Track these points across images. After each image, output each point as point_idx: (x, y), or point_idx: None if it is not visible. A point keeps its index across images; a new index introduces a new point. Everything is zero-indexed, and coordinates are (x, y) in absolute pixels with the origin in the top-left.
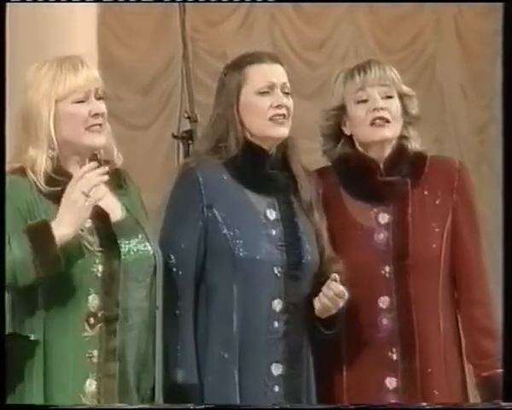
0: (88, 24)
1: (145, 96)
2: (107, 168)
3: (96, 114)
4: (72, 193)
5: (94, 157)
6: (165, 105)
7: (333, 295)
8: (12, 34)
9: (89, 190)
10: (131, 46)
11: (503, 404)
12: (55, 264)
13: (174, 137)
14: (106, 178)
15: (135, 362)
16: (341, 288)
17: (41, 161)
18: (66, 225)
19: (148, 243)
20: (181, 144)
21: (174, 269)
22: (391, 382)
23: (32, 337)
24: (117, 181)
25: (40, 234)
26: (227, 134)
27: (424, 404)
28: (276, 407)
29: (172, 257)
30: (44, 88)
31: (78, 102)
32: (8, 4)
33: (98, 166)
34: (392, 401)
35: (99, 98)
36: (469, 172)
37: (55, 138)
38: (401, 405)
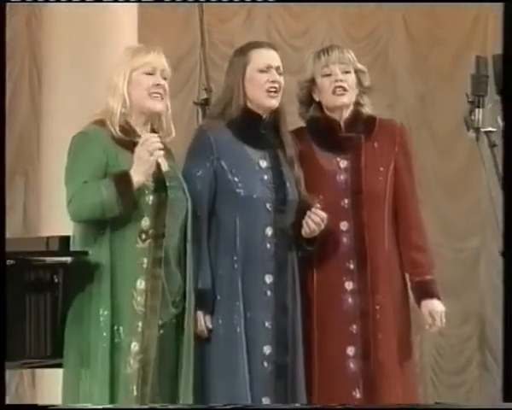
0: (131, 20)
1: (173, 73)
2: (161, 139)
3: (158, 85)
4: (142, 152)
5: (153, 131)
6: (187, 80)
7: (319, 220)
8: (59, 30)
9: (153, 150)
10: (163, 36)
11: (504, 404)
12: (132, 203)
13: (195, 103)
14: (161, 145)
15: (171, 271)
16: (324, 214)
17: (116, 113)
18: (139, 174)
19: (182, 190)
20: (199, 109)
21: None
22: (349, 285)
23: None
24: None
25: (123, 181)
26: (231, 101)
27: (421, 404)
28: (277, 406)
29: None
30: (125, 61)
31: (147, 73)
32: (8, 4)
33: (157, 136)
34: (350, 299)
35: (164, 78)
36: (408, 131)
37: (127, 99)
38: (400, 405)
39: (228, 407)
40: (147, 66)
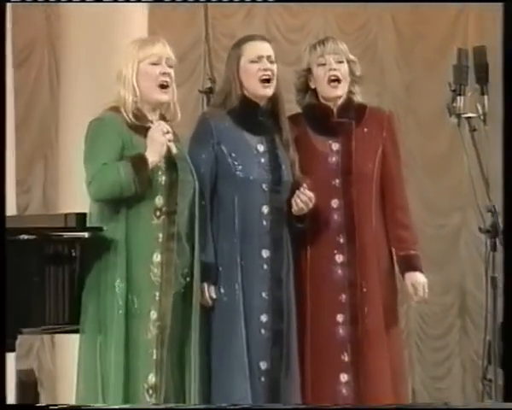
0: (141, 15)
1: (181, 63)
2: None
3: (165, 73)
4: (155, 134)
5: (162, 117)
6: (193, 70)
7: (306, 199)
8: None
9: (165, 133)
10: (171, 29)
11: (504, 404)
12: (147, 182)
13: (200, 92)
14: (171, 130)
15: (182, 246)
16: (311, 194)
17: (129, 102)
18: (153, 155)
19: (190, 172)
20: (204, 97)
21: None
22: (339, 257)
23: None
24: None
25: (139, 162)
26: (230, 92)
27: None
28: (278, 406)
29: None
30: (132, 53)
31: (153, 64)
32: (8, 4)
33: (167, 121)
34: (339, 271)
35: (170, 66)
36: (396, 118)
37: (137, 89)
38: (400, 405)
39: (230, 407)
40: (153, 56)
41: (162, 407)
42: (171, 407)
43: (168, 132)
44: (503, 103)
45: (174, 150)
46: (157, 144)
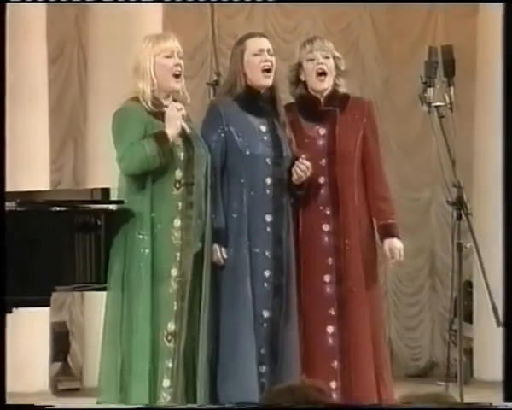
0: (157, 18)
1: (190, 60)
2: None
3: (177, 64)
4: (171, 112)
5: (174, 101)
6: (201, 65)
7: (305, 167)
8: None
9: (179, 110)
10: (182, 30)
11: (503, 404)
12: (169, 154)
13: (207, 84)
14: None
15: (198, 213)
16: (309, 163)
17: (147, 92)
18: (171, 129)
19: (203, 148)
20: (211, 89)
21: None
22: (326, 226)
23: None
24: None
25: (161, 137)
26: (235, 82)
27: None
28: (278, 406)
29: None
30: (148, 48)
31: (167, 57)
32: (8, 4)
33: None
34: (326, 238)
35: (180, 58)
36: (375, 106)
37: (154, 78)
38: (400, 405)
39: (234, 407)
40: (166, 50)
41: (162, 407)
42: (171, 407)
43: (181, 109)
44: (504, 103)
45: (188, 130)
46: (173, 119)
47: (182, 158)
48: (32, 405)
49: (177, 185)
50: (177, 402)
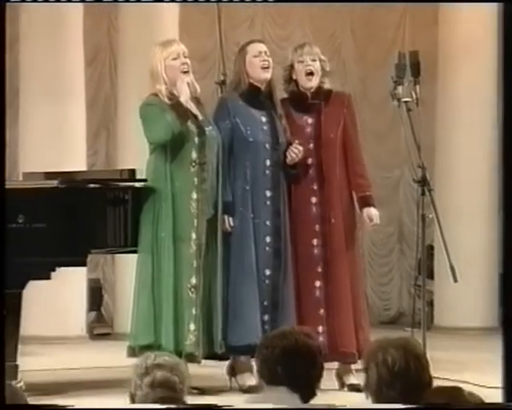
0: (172, 29)
1: (202, 63)
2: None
3: (184, 63)
4: (180, 83)
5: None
6: (211, 68)
7: (297, 151)
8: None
9: (186, 80)
10: (195, 39)
11: (503, 404)
12: (186, 117)
13: (216, 83)
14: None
15: (210, 187)
16: (301, 147)
17: (163, 90)
18: (183, 95)
19: (215, 132)
20: (219, 87)
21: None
22: (313, 199)
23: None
24: (197, 101)
25: (176, 104)
26: (240, 81)
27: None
28: (280, 407)
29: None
30: (158, 54)
31: (174, 59)
32: (7, 4)
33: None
34: (314, 209)
35: (185, 57)
36: (354, 100)
37: (166, 78)
38: (400, 405)
39: (232, 407)
40: (172, 53)
41: (163, 407)
42: (170, 407)
43: (188, 79)
44: (504, 103)
45: (201, 117)
46: (183, 87)
47: (196, 142)
48: (32, 405)
49: (193, 164)
50: (199, 344)
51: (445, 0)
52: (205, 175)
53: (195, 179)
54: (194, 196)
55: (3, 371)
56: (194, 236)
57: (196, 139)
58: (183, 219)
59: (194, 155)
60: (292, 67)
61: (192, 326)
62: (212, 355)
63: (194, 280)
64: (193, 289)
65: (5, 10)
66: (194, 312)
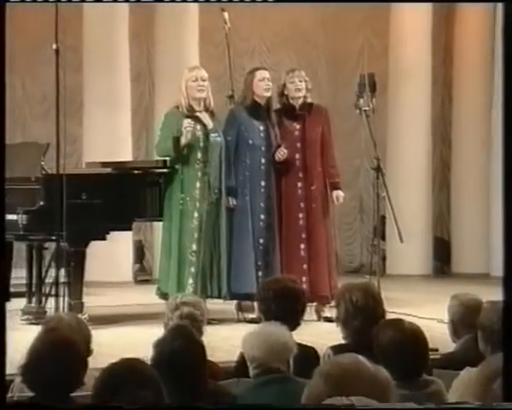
0: (195, 59)
1: (216, 83)
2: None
3: (201, 85)
4: (185, 129)
5: (205, 107)
6: (223, 86)
7: (283, 153)
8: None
9: (187, 128)
10: (211, 64)
11: (503, 404)
12: (180, 150)
13: (227, 97)
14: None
15: (213, 178)
16: (286, 150)
17: (183, 103)
18: (183, 139)
19: (220, 136)
20: (228, 101)
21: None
22: (299, 184)
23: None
24: (212, 113)
25: (175, 141)
26: (245, 97)
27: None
28: (283, 407)
29: (225, 142)
30: (184, 76)
31: (193, 81)
32: (7, 4)
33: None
34: (299, 191)
35: (203, 80)
36: (328, 110)
37: (186, 95)
38: (400, 405)
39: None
40: (193, 77)
41: (163, 407)
42: (171, 406)
43: (189, 127)
44: (504, 102)
45: (210, 125)
46: (185, 134)
47: (201, 145)
48: (32, 404)
49: (198, 162)
50: (196, 293)
51: (442, 0)
52: (206, 170)
53: (199, 173)
54: (198, 185)
55: (3, 371)
56: (196, 214)
57: (202, 143)
58: (189, 201)
59: (198, 155)
60: (284, 85)
61: (190, 281)
62: None
63: (194, 247)
64: (193, 254)
65: (5, 10)
66: (192, 270)
